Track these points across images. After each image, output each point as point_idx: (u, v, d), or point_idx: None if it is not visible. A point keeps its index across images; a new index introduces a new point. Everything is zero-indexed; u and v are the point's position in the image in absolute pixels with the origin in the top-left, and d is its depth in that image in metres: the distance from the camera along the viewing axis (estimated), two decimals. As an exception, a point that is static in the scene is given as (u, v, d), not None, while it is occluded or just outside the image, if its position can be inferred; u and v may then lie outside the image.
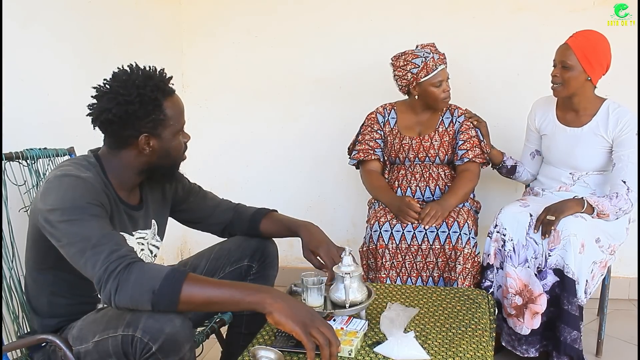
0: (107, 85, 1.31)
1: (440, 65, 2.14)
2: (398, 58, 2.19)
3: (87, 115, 1.33)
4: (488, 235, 2.04)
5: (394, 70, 2.21)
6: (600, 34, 2.00)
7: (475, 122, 2.26)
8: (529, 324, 1.93)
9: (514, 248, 1.97)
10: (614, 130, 2.00)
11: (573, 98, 2.04)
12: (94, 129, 1.35)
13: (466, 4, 2.67)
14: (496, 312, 1.80)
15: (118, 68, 1.34)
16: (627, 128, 1.98)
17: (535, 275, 1.92)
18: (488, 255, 2.03)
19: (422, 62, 2.12)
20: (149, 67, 1.35)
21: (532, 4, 2.61)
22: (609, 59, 1.99)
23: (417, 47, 2.18)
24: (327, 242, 1.60)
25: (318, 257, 1.59)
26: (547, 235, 1.90)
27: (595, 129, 2.04)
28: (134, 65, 1.34)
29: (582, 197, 1.96)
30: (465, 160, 2.22)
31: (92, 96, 1.33)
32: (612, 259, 2.04)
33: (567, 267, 1.85)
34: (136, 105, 1.28)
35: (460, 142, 2.24)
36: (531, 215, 1.98)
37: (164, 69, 1.37)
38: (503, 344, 2.03)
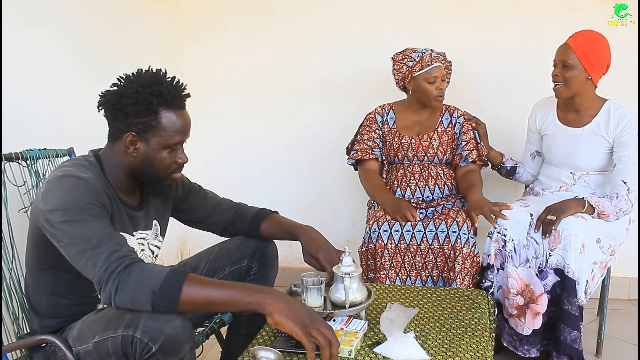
0: (124, 75, 1.34)
1: (436, 62, 2.15)
2: (399, 53, 2.23)
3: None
4: (488, 236, 2.04)
5: (393, 65, 2.23)
6: (600, 34, 2.01)
7: (474, 124, 2.27)
8: (530, 324, 1.93)
9: (514, 248, 1.97)
10: (615, 130, 2.00)
11: (574, 98, 2.05)
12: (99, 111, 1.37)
13: (466, 4, 2.67)
14: (496, 312, 1.80)
15: (138, 71, 1.35)
16: (628, 129, 1.98)
17: (536, 275, 1.92)
18: (488, 256, 2.03)
19: (418, 56, 2.15)
20: (166, 74, 1.36)
21: (532, 4, 2.61)
22: (608, 58, 2.00)
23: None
24: (327, 246, 1.59)
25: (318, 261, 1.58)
26: (547, 235, 1.90)
27: (596, 130, 2.04)
28: (163, 70, 1.36)
29: (583, 197, 1.96)
30: (470, 160, 2.23)
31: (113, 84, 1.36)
32: (613, 260, 2.04)
33: (568, 267, 1.85)
34: (130, 100, 1.29)
35: (464, 143, 2.25)
36: (532, 215, 1.98)
37: (185, 84, 1.37)
38: (504, 344, 2.03)
